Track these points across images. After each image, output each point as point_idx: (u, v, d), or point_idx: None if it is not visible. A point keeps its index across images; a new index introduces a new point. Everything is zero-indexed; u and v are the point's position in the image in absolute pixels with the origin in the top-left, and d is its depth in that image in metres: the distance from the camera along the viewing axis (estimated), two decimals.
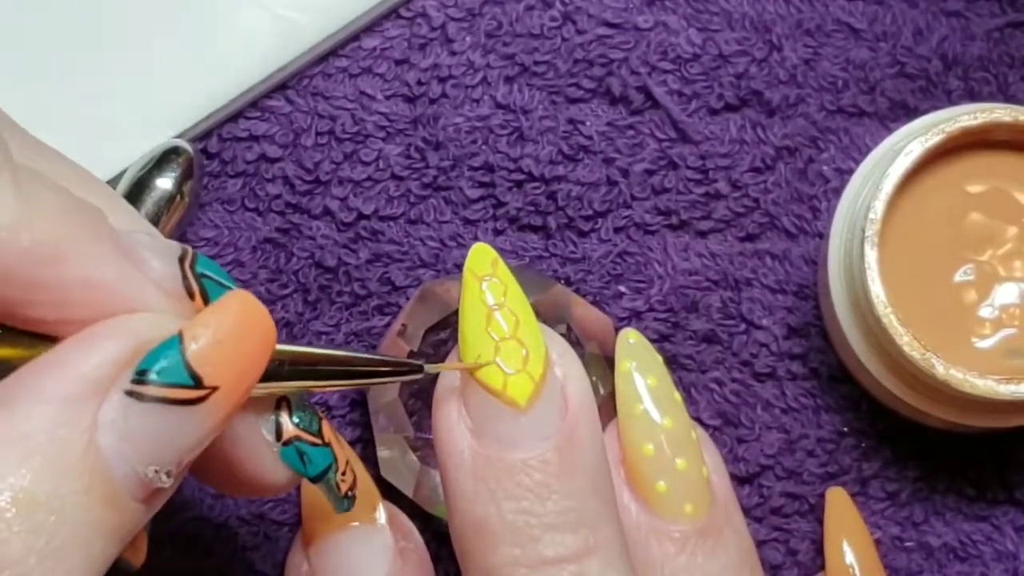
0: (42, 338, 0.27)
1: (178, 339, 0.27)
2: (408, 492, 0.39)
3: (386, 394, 0.39)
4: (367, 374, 0.31)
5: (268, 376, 0.29)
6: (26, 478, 0.26)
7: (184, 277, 0.29)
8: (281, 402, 0.31)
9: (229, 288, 0.30)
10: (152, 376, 0.27)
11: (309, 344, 0.32)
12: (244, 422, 0.31)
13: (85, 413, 0.27)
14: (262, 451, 0.31)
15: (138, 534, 0.31)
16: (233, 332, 0.28)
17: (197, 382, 0.27)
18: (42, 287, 0.27)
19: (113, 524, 0.27)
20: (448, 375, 0.32)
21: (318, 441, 0.31)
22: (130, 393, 0.27)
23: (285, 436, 0.31)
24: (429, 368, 0.32)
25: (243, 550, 0.40)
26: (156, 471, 0.27)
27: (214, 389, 0.27)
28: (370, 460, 0.40)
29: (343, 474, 0.32)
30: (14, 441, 0.26)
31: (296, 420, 0.31)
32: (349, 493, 0.33)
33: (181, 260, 0.29)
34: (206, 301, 0.29)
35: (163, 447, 0.27)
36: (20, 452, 0.26)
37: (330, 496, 0.33)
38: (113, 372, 0.27)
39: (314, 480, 0.32)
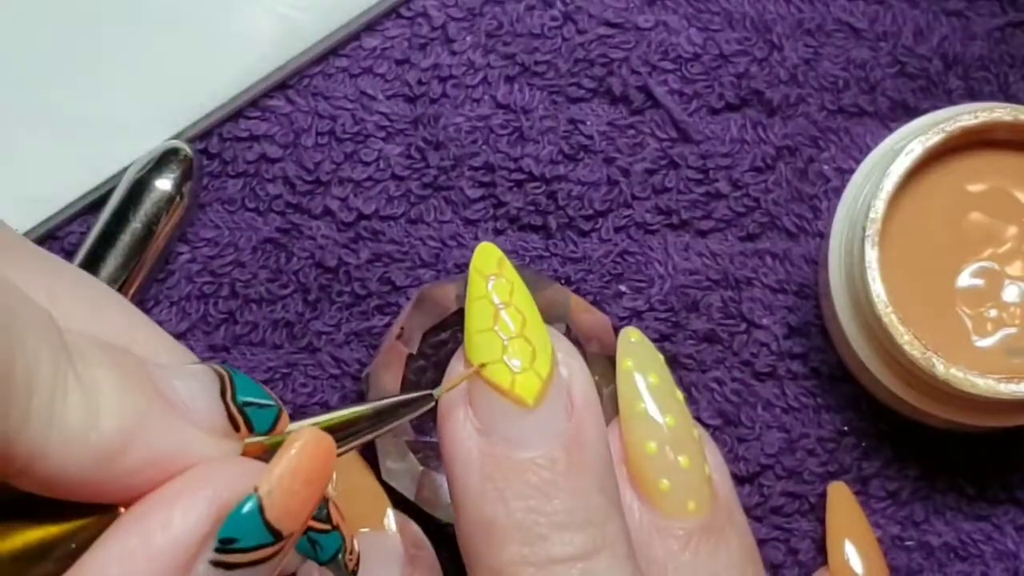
0: (101, 507, 0.27)
1: (256, 499, 0.26)
2: (409, 495, 0.39)
3: (385, 396, 0.38)
4: (382, 422, 0.30)
5: None
6: None
7: (229, 415, 0.28)
8: None
9: (269, 406, 0.29)
10: (238, 543, 0.26)
11: (326, 410, 0.31)
12: None
13: None
14: None
15: None
16: (305, 477, 0.27)
17: (277, 536, 0.27)
18: (112, 478, 0.26)
19: None
20: (452, 376, 0.32)
21: (328, 527, 0.30)
22: (217, 564, 0.26)
23: None
24: (439, 392, 0.31)
25: None
26: None
27: (290, 535, 0.27)
28: (371, 463, 0.40)
29: (350, 553, 0.32)
30: None
31: None
32: (355, 570, 0.32)
33: (223, 395, 0.28)
34: (251, 430, 0.28)
35: None
36: None
37: (337, 574, 0.32)
38: (198, 545, 0.26)
39: (325, 563, 0.31)
